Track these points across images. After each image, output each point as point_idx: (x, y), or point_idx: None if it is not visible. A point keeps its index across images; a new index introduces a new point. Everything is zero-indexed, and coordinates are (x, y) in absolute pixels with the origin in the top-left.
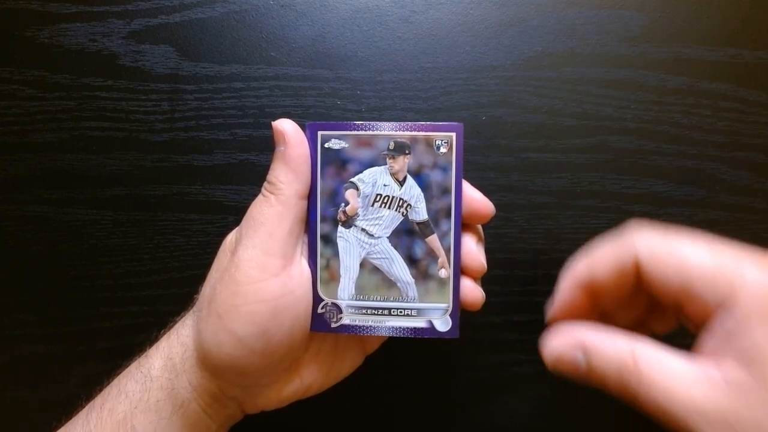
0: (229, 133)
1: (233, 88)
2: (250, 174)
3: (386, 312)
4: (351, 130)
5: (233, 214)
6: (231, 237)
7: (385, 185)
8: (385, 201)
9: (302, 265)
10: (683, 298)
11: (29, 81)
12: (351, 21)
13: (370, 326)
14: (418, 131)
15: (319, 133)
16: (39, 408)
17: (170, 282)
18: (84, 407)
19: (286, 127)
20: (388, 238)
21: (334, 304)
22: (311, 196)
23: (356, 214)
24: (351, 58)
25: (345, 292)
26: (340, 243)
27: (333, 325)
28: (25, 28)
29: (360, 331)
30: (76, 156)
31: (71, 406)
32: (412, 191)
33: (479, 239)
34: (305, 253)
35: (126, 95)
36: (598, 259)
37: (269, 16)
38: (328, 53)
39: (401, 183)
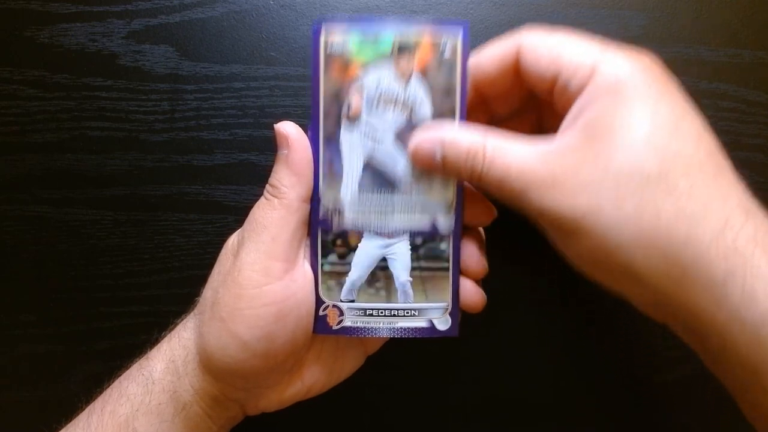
0: (229, 133)
1: (233, 88)
2: (250, 174)
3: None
4: (355, 28)
5: (233, 214)
6: (233, 239)
7: (389, 86)
8: (389, 100)
9: (305, 268)
10: (555, 89)
11: (29, 81)
12: None
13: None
14: (423, 28)
15: (323, 29)
16: (39, 408)
17: (170, 282)
18: (84, 409)
19: (289, 130)
20: (393, 142)
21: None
22: (314, 195)
23: (360, 115)
24: None
25: (348, 192)
26: (344, 144)
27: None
28: (25, 28)
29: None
30: (76, 156)
31: (71, 406)
32: (417, 92)
33: (481, 241)
34: (308, 256)
35: (126, 95)
36: (486, 51)
37: (269, 16)
38: None
39: (406, 83)
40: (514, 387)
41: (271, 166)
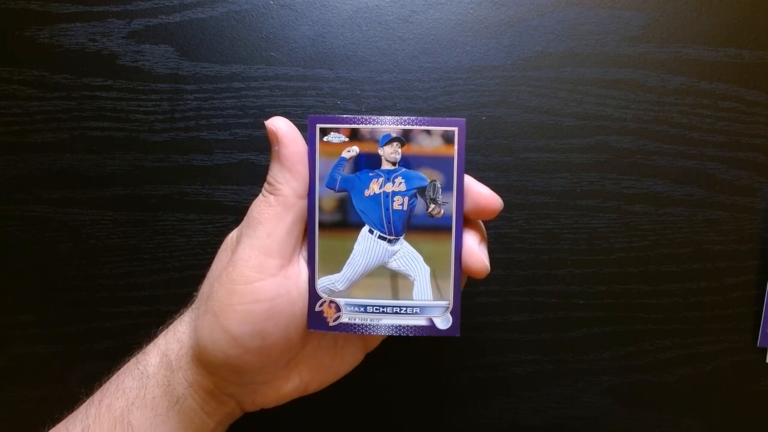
0: (229, 133)
1: (233, 88)
2: (250, 174)
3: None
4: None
5: (233, 214)
6: (233, 235)
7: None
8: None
9: (300, 266)
10: None
11: (29, 81)
12: (351, 21)
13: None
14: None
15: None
16: (39, 408)
17: (170, 282)
18: (85, 402)
19: (279, 125)
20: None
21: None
22: (310, 189)
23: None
24: (351, 58)
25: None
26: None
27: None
28: (25, 28)
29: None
30: (76, 156)
31: (71, 406)
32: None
33: (482, 238)
34: (304, 253)
35: (126, 95)
36: None
37: (269, 16)
38: (328, 53)
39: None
40: (514, 386)
41: None
